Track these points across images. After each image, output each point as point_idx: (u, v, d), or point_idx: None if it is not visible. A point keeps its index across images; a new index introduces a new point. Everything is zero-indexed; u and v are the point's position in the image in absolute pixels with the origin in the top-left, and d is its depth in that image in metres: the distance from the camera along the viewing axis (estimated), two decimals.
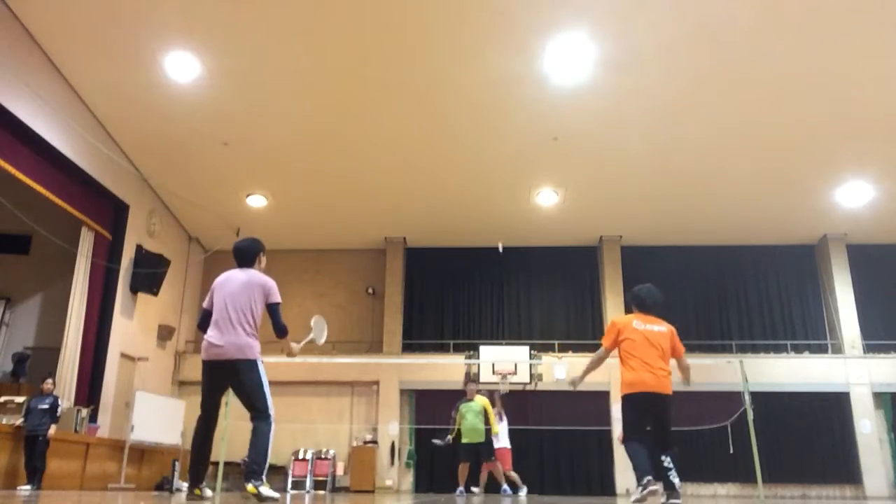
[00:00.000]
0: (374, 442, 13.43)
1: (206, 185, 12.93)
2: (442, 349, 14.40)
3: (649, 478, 4.71)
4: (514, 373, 12.93)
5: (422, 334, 14.62)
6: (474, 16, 8.94)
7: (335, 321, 14.67)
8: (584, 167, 12.20)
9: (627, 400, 5.04)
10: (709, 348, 13.78)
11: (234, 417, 7.36)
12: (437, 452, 10.48)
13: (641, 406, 4.97)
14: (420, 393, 13.93)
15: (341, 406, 14.04)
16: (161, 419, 11.84)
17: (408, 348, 14.36)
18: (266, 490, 4.40)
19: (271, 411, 4.61)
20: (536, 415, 13.25)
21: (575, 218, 13.74)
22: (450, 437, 10.13)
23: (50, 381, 9.60)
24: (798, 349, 13.96)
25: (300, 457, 13.24)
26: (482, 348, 13.45)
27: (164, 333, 13.68)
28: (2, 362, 12.40)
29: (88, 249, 11.55)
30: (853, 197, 12.63)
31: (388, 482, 13.22)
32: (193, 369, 13.51)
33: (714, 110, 10.56)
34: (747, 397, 9.33)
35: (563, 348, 13.78)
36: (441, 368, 13.49)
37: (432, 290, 14.98)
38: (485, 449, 9.94)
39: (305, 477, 12.93)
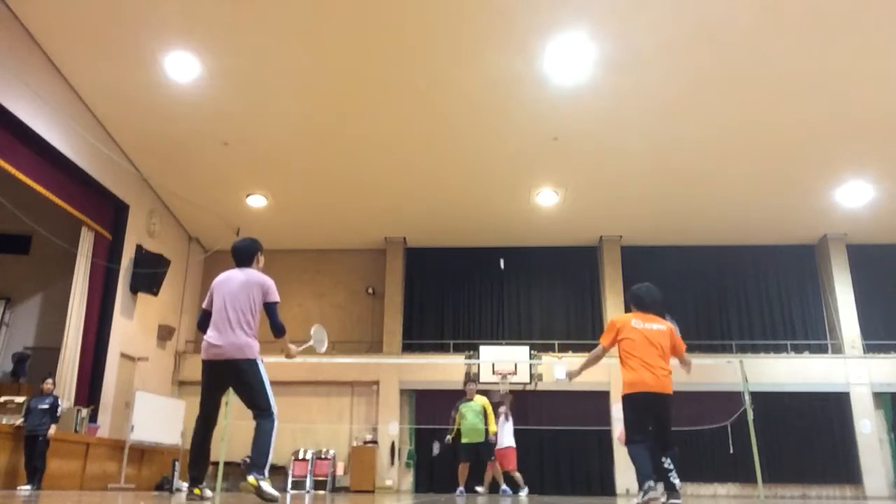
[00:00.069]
0: (374, 442, 13.43)
1: (206, 185, 12.93)
2: (442, 349, 14.40)
3: (650, 483, 4.67)
4: (514, 373, 12.94)
5: (422, 334, 14.62)
6: (474, 16, 8.94)
7: (335, 321, 14.69)
8: (584, 167, 12.20)
9: (628, 400, 5.02)
10: (709, 348, 13.78)
11: (234, 417, 7.38)
12: (439, 450, 10.48)
13: (642, 406, 4.94)
14: (420, 393, 13.93)
15: (341, 406, 14.04)
16: (161, 419, 11.84)
17: (408, 348, 14.36)
18: (267, 486, 4.38)
19: (274, 409, 4.61)
20: (536, 415, 13.25)
21: (575, 218, 13.74)
22: (449, 437, 10.14)
23: (50, 381, 9.60)
24: (798, 349, 13.96)
25: (300, 457, 13.24)
26: (482, 348, 13.46)
27: (164, 333, 13.68)
28: (2, 362, 12.40)
29: (88, 249, 11.55)
30: (853, 197, 12.63)
31: (388, 482, 13.22)
32: (193, 369, 13.50)
33: (714, 110, 10.56)
34: (747, 397, 9.33)
35: (563, 348, 13.78)
36: (441, 368, 13.49)
37: (432, 290, 14.98)
38: (485, 449, 9.94)
39: (305, 477, 12.94)
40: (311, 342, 5.58)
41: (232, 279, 4.83)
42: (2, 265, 13.16)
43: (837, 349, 13.69)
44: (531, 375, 13.00)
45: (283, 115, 11.01)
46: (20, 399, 9.70)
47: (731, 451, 11.95)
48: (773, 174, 12.12)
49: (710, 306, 14.48)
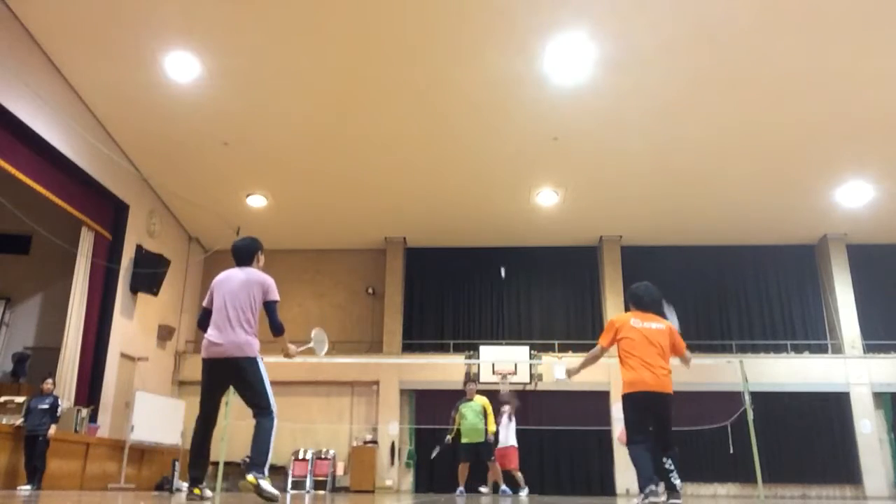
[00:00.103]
0: (374, 442, 13.43)
1: (206, 185, 12.93)
2: (442, 349, 14.40)
3: (652, 487, 4.64)
4: (514, 373, 12.95)
5: (422, 334, 14.62)
6: (474, 16, 8.94)
7: (335, 321, 14.70)
8: (584, 167, 12.20)
9: (627, 399, 4.98)
10: (709, 348, 13.78)
11: (234, 417, 7.38)
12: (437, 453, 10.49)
13: (642, 405, 4.91)
14: (420, 393, 13.93)
15: (341, 406, 14.04)
16: (161, 419, 11.84)
17: (408, 348, 14.36)
18: (267, 485, 4.37)
19: (273, 407, 4.61)
20: (536, 415, 13.24)
21: (575, 218, 13.74)
22: (449, 437, 10.14)
23: (50, 381, 9.60)
24: (798, 349, 13.96)
25: (300, 457, 13.24)
26: (482, 348, 13.47)
27: (164, 333, 13.68)
28: (2, 362, 12.40)
29: (88, 249, 11.55)
30: (853, 197, 12.63)
31: (388, 482, 13.22)
32: (193, 369, 13.51)
33: (714, 110, 10.56)
34: (747, 397, 9.33)
35: (563, 348, 13.78)
36: (441, 368, 13.49)
37: (432, 290, 14.98)
38: (485, 449, 9.94)
39: (305, 477, 12.94)
40: (311, 344, 5.58)
41: (232, 278, 4.84)
42: (2, 265, 13.16)
43: (837, 349, 13.69)
44: (531, 375, 13.01)
45: (283, 115, 11.01)
46: (20, 399, 9.70)
47: (731, 451, 11.95)
48: (773, 174, 12.12)
49: (710, 306, 14.48)
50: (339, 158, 12.03)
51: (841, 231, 13.97)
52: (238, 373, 4.63)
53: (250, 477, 4.36)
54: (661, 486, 4.77)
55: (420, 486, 13.45)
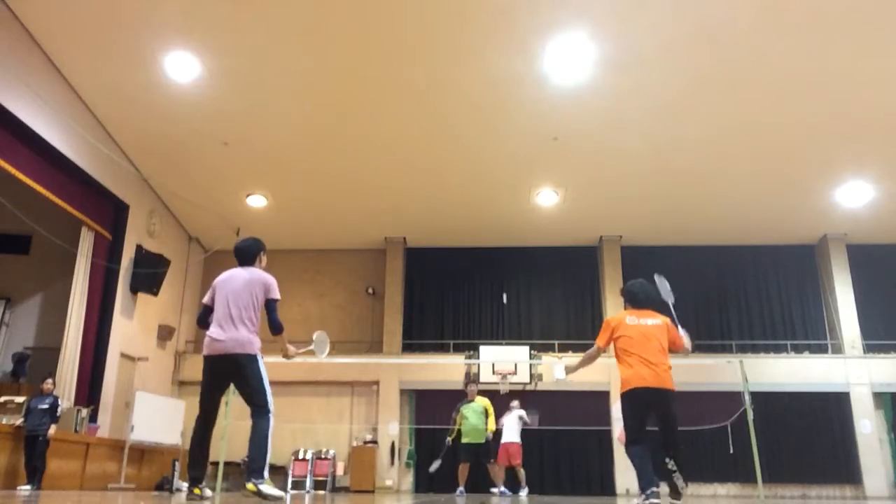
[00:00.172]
0: (374, 442, 13.43)
1: (206, 185, 12.93)
2: (442, 349, 14.40)
3: (654, 489, 4.59)
4: (514, 373, 12.95)
5: (422, 334, 14.62)
6: (474, 16, 8.94)
7: (335, 321, 14.70)
8: (584, 167, 12.20)
9: (626, 397, 4.90)
10: (709, 348, 13.77)
11: (234, 417, 7.38)
12: (437, 453, 10.50)
13: (640, 403, 4.83)
14: (420, 393, 13.93)
15: (341, 406, 14.04)
16: (161, 419, 11.84)
17: (408, 348, 14.36)
18: (267, 488, 4.39)
19: (271, 407, 4.63)
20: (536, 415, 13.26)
21: (575, 218, 13.74)
22: (450, 438, 10.17)
23: (50, 381, 9.60)
24: (798, 349, 13.96)
25: (300, 457, 13.24)
26: (482, 348, 13.47)
27: (164, 333, 13.68)
28: (2, 362, 12.40)
29: (88, 249, 11.54)
30: (853, 197, 12.63)
31: (388, 482, 13.22)
32: (193, 369, 13.51)
33: (714, 110, 10.56)
34: (747, 397, 9.33)
35: (563, 348, 13.79)
36: (441, 368, 13.50)
37: (432, 290, 14.98)
38: (484, 450, 9.95)
39: (305, 477, 12.94)
40: (311, 346, 5.59)
41: (235, 277, 4.88)
42: (2, 265, 13.16)
43: (837, 349, 13.69)
44: (531, 375, 13.01)
45: (283, 115, 11.01)
46: (20, 399, 9.70)
47: (731, 451, 11.97)
48: (773, 174, 12.12)
49: (710, 306, 14.48)
50: (339, 158, 12.03)
51: (841, 231, 13.97)
52: (238, 370, 4.65)
53: (250, 485, 4.39)
54: (663, 486, 4.71)
55: (420, 486, 13.45)
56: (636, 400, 4.85)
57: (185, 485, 9.42)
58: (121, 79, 10.19)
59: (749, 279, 14.62)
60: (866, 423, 12.88)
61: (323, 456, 13.34)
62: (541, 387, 13.06)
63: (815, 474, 12.98)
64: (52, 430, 9.00)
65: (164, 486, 11.66)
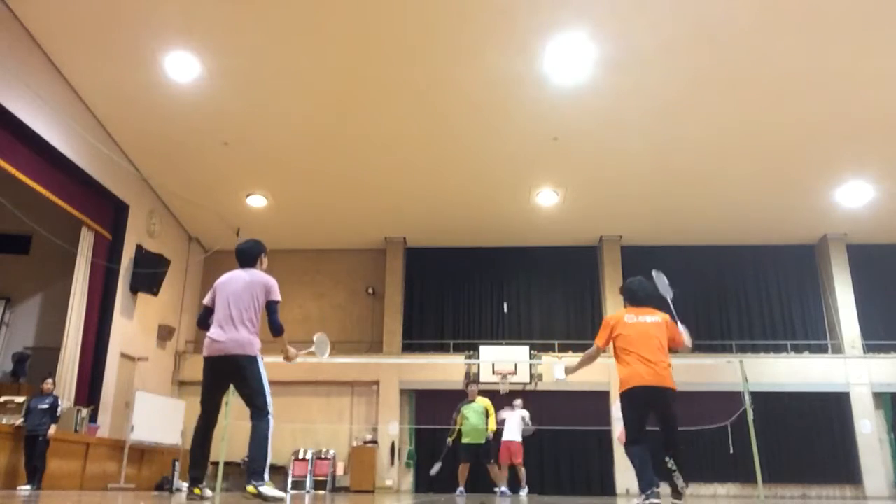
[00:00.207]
0: (374, 442, 13.43)
1: (206, 185, 12.93)
2: (442, 349, 14.40)
3: (654, 490, 4.57)
4: (514, 373, 12.95)
5: (422, 334, 14.62)
6: (474, 16, 8.94)
7: (335, 321, 14.71)
8: (584, 167, 12.20)
9: (624, 396, 4.87)
10: (709, 348, 13.77)
11: (234, 417, 7.37)
12: (437, 453, 10.51)
13: (639, 402, 4.79)
14: (420, 393, 13.93)
15: (341, 406, 14.04)
16: (161, 419, 11.84)
17: (408, 348, 14.36)
18: (268, 489, 4.40)
19: (270, 409, 4.63)
20: (536, 415, 13.17)
21: (575, 218, 13.74)
22: (450, 438, 10.18)
23: (50, 381, 9.60)
24: (798, 349, 13.96)
25: (300, 457, 13.24)
26: (482, 348, 13.47)
27: (164, 333, 13.68)
28: (2, 362, 12.40)
29: (88, 249, 11.54)
30: (853, 197, 12.63)
31: (388, 482, 13.22)
32: (193, 369, 13.51)
33: (714, 110, 10.56)
34: (747, 397, 9.33)
35: (563, 348, 13.79)
36: (441, 368, 13.50)
37: (432, 290, 14.98)
38: (484, 450, 9.96)
39: (305, 477, 12.94)
40: (312, 348, 5.58)
41: (236, 279, 4.88)
42: (2, 265, 13.16)
43: (837, 349, 13.69)
44: (531, 375, 13.01)
45: (283, 115, 11.01)
46: (20, 399, 9.70)
47: (731, 451, 11.97)
48: (773, 174, 12.12)
49: (710, 306, 14.48)
50: (339, 158, 12.03)
51: (841, 231, 13.97)
52: (238, 371, 4.65)
53: (250, 487, 4.40)
54: (664, 486, 4.69)
55: (420, 486, 13.45)
56: (635, 399, 4.81)
57: (185, 485, 9.42)
58: (121, 79, 10.20)
59: (749, 279, 14.62)
60: (866, 423, 12.88)
61: (323, 456, 13.34)
62: (541, 387, 13.06)
63: (815, 474, 12.98)
64: (52, 430, 9.00)
65: (164, 486, 11.66)
